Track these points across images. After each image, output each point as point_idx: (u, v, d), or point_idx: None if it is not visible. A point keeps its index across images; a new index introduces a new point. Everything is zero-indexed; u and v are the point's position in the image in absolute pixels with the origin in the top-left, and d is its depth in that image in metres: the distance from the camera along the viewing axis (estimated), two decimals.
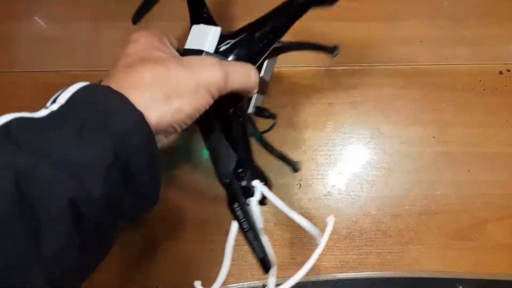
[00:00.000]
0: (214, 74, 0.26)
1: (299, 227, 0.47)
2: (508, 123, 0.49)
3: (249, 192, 0.31)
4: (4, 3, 0.55)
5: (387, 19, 0.53)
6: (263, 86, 0.36)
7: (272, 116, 0.40)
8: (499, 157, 0.48)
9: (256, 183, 0.32)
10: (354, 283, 0.45)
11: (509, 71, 0.51)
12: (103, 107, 0.21)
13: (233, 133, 0.32)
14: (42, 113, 0.21)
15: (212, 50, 0.30)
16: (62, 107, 0.22)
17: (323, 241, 0.31)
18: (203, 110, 0.26)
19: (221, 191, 0.32)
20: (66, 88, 0.23)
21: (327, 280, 0.45)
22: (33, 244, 0.17)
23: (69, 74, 0.52)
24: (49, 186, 0.18)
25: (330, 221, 0.33)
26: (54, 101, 0.23)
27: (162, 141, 0.30)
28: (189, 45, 0.30)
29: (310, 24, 0.53)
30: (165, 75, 0.24)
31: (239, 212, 0.30)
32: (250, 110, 0.36)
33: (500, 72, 0.51)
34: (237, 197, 0.31)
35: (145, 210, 0.25)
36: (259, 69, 0.34)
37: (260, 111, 0.38)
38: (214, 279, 0.45)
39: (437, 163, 0.48)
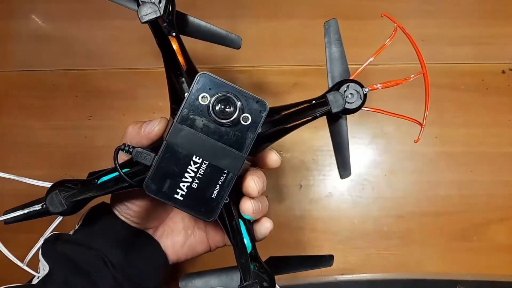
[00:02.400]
0: None
1: (299, 228, 0.47)
2: (511, 122, 0.49)
3: None
4: (1, 1, 0.54)
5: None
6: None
7: None
8: (502, 158, 0.48)
9: None
10: (355, 285, 0.44)
11: (511, 70, 0.50)
12: None
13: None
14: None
15: None
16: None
17: None
18: None
19: None
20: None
21: (328, 282, 0.44)
22: None
23: (67, 73, 0.51)
24: None
25: None
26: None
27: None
28: None
29: (310, 23, 0.52)
30: None
31: None
32: None
33: (503, 72, 0.50)
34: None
35: None
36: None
37: None
38: None
39: (439, 164, 0.47)
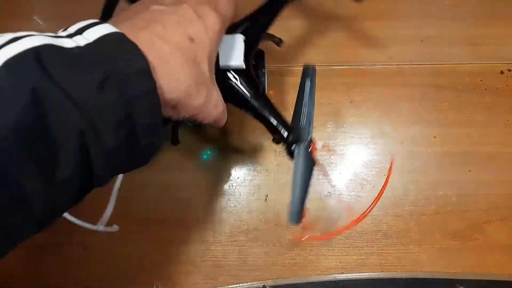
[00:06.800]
0: None
1: (298, 227, 0.47)
2: (509, 122, 0.49)
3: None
4: (3, 2, 0.54)
5: (387, 18, 0.53)
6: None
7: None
8: (501, 157, 0.48)
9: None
10: (354, 284, 0.45)
11: (510, 70, 0.50)
12: (127, 68, 0.21)
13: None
14: (68, 43, 0.21)
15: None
16: (89, 47, 0.21)
17: None
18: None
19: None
20: (91, 23, 0.22)
21: (327, 281, 0.45)
22: (49, 164, 0.19)
23: None
24: (67, 121, 0.19)
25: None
26: (78, 32, 0.22)
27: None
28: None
29: (311, 24, 0.53)
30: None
31: None
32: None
33: (501, 72, 0.51)
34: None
35: (133, 169, 0.25)
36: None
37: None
38: (212, 279, 0.44)
39: (438, 163, 0.48)
